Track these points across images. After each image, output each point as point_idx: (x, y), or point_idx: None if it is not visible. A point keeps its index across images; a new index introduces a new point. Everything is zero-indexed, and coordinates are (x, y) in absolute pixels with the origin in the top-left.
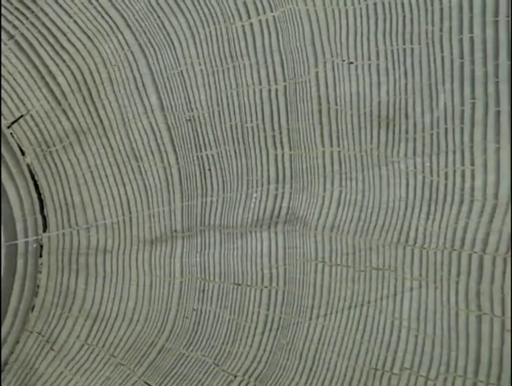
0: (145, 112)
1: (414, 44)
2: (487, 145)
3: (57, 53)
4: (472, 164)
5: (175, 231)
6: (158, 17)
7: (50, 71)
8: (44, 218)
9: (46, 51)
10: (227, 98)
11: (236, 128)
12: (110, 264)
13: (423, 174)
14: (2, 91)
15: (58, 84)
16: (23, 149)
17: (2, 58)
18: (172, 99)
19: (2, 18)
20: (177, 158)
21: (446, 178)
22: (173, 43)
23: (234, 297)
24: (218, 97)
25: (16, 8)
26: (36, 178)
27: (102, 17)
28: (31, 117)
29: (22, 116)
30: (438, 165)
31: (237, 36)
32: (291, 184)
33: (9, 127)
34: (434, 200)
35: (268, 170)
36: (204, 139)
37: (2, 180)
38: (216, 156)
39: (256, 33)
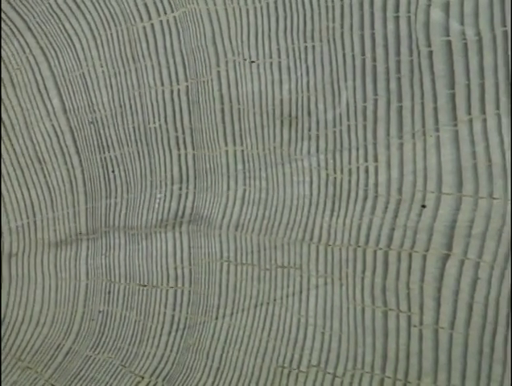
0: (47, 115)
1: (315, 42)
2: (390, 141)
3: None
4: (376, 160)
5: (80, 233)
6: (59, 19)
7: None
8: None
9: None
10: (129, 99)
11: (139, 129)
12: (16, 267)
13: (326, 172)
14: None
15: None
16: None
17: None
18: (75, 101)
19: None
20: (80, 160)
21: (350, 175)
22: (74, 46)
23: (140, 298)
24: (120, 99)
25: None
26: None
27: (3, 20)
28: None
29: None
30: (341, 162)
31: (139, 37)
32: (195, 184)
33: None
34: (338, 197)
35: (172, 171)
36: (107, 141)
37: None
38: (119, 157)
39: (157, 34)
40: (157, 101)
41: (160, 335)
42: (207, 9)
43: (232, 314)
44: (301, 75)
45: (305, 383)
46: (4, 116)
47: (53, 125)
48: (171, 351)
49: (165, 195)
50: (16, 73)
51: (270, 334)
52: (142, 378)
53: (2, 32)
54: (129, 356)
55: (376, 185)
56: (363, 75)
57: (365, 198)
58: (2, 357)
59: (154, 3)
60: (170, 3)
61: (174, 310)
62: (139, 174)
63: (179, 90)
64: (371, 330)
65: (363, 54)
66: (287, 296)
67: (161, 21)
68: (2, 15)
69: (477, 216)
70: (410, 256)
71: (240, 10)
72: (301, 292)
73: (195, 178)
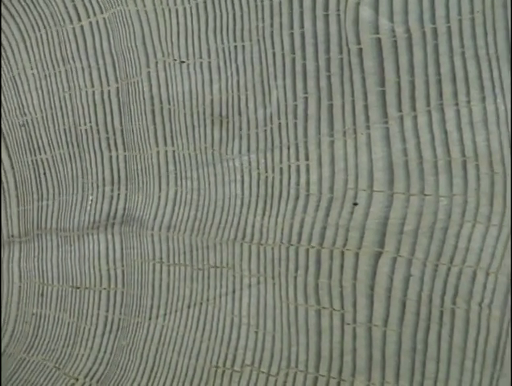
0: None
1: (245, 41)
2: (321, 140)
3: None
4: (307, 159)
5: (12, 236)
6: None
7: None
8: None
9: None
10: (60, 101)
11: (70, 131)
12: None
13: (257, 171)
14: None
15: None
16: None
17: None
18: (5, 104)
19: None
20: (12, 163)
21: (281, 174)
22: (4, 48)
23: (73, 300)
24: (51, 101)
25: None
26: None
27: None
28: None
29: None
30: (273, 161)
31: (68, 39)
32: (127, 185)
33: None
34: (270, 196)
35: (103, 172)
36: (38, 143)
37: None
38: (50, 160)
39: (87, 35)
40: (87, 103)
41: (94, 337)
42: (136, 10)
43: (165, 314)
44: (231, 74)
45: (239, 383)
46: None
47: None
48: (105, 352)
49: (97, 197)
50: None
51: (203, 334)
52: (77, 380)
53: None
54: (63, 358)
55: (307, 183)
56: (293, 74)
57: (297, 196)
58: None
59: (84, 5)
60: (99, 4)
61: (107, 311)
62: (71, 176)
63: (109, 91)
64: (304, 329)
65: (293, 52)
66: (220, 296)
67: (90, 22)
68: None
69: (409, 213)
70: (342, 254)
71: (169, 10)
72: (234, 291)
73: (126, 179)
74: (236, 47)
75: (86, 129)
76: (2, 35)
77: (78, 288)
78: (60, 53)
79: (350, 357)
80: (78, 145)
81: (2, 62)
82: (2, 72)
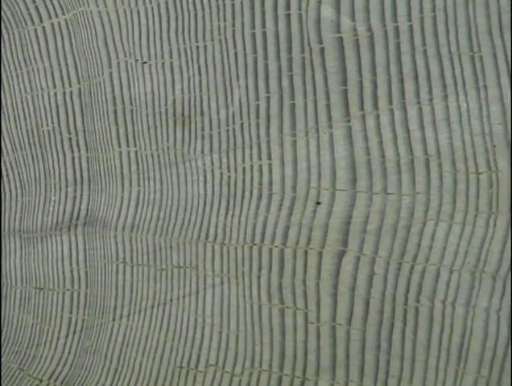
0: None
1: (207, 41)
2: (283, 139)
3: None
4: (270, 158)
5: None
6: None
7: None
8: None
9: None
10: (22, 103)
11: (32, 132)
12: None
13: (220, 171)
14: None
15: None
16: None
17: None
18: None
19: None
20: None
21: (244, 174)
22: None
23: (37, 302)
24: (13, 102)
25: None
26: None
27: None
28: None
29: None
30: (235, 160)
31: (30, 40)
32: (90, 186)
33: None
34: (232, 196)
35: (66, 173)
36: (0, 144)
37: None
38: (13, 161)
39: (48, 36)
40: (49, 104)
41: (58, 338)
42: (98, 11)
43: (129, 315)
44: (193, 74)
45: (203, 383)
46: None
47: None
48: (69, 353)
49: (60, 198)
50: None
51: (167, 334)
52: (41, 381)
53: None
54: (27, 359)
55: (270, 183)
56: (255, 74)
57: (260, 196)
58: None
59: (45, 6)
60: (61, 6)
61: (71, 312)
62: (33, 177)
63: (71, 92)
64: (268, 329)
65: (255, 52)
66: (184, 296)
67: (52, 23)
68: None
69: (372, 212)
70: (305, 253)
71: (131, 11)
72: (198, 292)
73: (89, 180)
74: (198, 47)
75: (48, 130)
76: None
77: (42, 289)
78: (22, 54)
79: (314, 356)
80: (40, 146)
81: None
82: None
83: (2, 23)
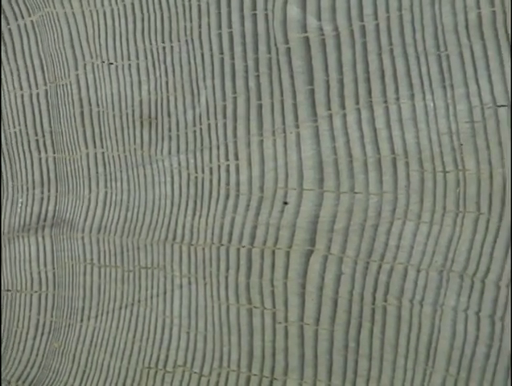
0: None
1: (173, 42)
2: (250, 139)
3: None
4: (237, 158)
5: None
6: None
7: None
8: None
9: None
10: None
11: None
12: None
13: (187, 171)
14: None
15: None
16: None
17: None
18: None
19: None
20: None
21: (211, 174)
22: None
23: (5, 304)
24: None
25: None
26: None
27: None
28: None
29: None
30: (202, 161)
31: None
32: (57, 187)
33: None
34: (200, 196)
35: (33, 175)
36: None
37: None
38: None
39: (15, 38)
40: (16, 106)
41: (26, 340)
42: (64, 12)
43: (97, 316)
44: (160, 75)
45: (172, 384)
46: None
47: None
48: (37, 355)
49: (27, 200)
50: None
51: (135, 335)
52: (9, 383)
53: None
54: None
55: (237, 183)
56: (222, 74)
57: (227, 196)
58: None
59: (11, 8)
60: (27, 7)
61: (39, 314)
62: (0, 179)
63: (38, 94)
64: (236, 329)
65: (221, 52)
66: (152, 297)
67: (18, 25)
68: None
69: (339, 211)
70: (273, 253)
71: (97, 12)
72: (165, 292)
73: (56, 181)
74: (164, 48)
75: (15, 132)
76: None
77: (9, 291)
78: None
79: (282, 356)
80: (7, 148)
81: None
82: None
83: None
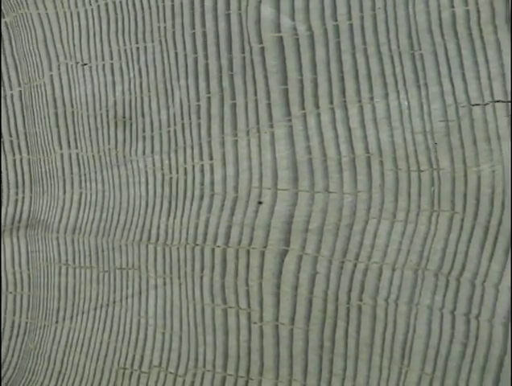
0: None
1: (147, 42)
2: (224, 139)
3: None
4: (211, 158)
5: None
6: None
7: None
8: None
9: None
10: None
11: None
12: None
13: (162, 172)
14: None
15: None
16: None
17: None
18: None
19: None
20: None
21: (185, 174)
22: None
23: None
24: None
25: None
26: None
27: None
28: None
29: None
30: (177, 161)
31: None
32: (31, 188)
33: None
34: (174, 197)
35: (7, 176)
36: None
37: None
38: None
39: None
40: None
41: (1, 341)
42: (38, 13)
43: (72, 317)
44: (134, 76)
45: (147, 384)
46: None
47: None
48: (13, 356)
49: (1, 201)
50: None
51: (110, 336)
52: None
53: None
54: None
55: (212, 183)
56: (196, 74)
57: (202, 196)
58: None
59: None
60: (0, 8)
61: (14, 315)
62: None
63: (12, 95)
64: (211, 329)
65: (195, 52)
66: (127, 297)
67: None
68: None
69: (314, 211)
70: (248, 253)
71: (71, 13)
72: (140, 293)
73: (31, 182)
74: (138, 48)
75: None
76: None
77: None
78: None
79: (257, 356)
80: None
81: None
82: None
83: None
